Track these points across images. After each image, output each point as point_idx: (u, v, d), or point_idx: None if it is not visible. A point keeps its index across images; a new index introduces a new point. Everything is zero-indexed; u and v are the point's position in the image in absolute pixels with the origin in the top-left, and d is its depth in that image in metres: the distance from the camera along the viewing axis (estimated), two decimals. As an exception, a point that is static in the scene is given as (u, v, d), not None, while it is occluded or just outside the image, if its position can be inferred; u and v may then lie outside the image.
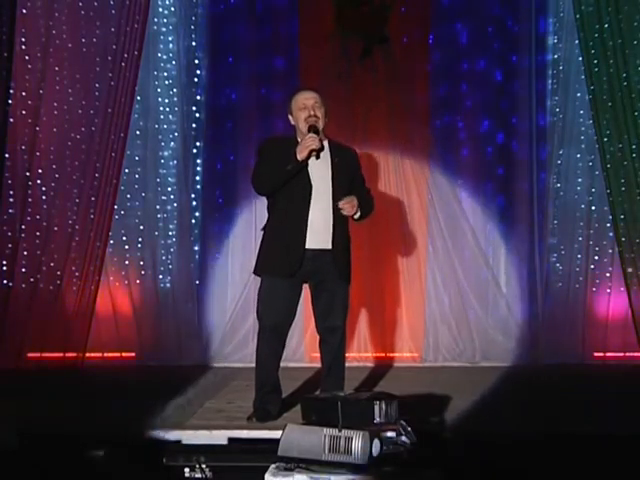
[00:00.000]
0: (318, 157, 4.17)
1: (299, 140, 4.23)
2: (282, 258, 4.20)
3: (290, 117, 4.36)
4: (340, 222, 4.26)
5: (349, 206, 4.18)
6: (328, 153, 4.29)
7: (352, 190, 4.27)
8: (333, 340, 4.31)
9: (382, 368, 6.44)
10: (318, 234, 4.20)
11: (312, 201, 4.19)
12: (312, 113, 4.23)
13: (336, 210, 4.20)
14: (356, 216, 4.29)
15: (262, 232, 4.37)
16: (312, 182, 4.20)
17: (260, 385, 4.26)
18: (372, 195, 4.54)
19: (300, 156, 4.11)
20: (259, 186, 4.31)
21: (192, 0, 7.04)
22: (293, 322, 4.33)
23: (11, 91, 6.43)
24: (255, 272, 4.36)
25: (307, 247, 4.18)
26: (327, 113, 4.30)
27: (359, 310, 6.76)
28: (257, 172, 4.30)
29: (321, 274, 4.25)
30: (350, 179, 4.34)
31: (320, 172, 4.23)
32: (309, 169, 4.20)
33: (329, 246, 4.22)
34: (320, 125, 4.23)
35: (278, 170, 4.15)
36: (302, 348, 6.72)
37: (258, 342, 4.27)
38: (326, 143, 4.31)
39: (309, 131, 4.16)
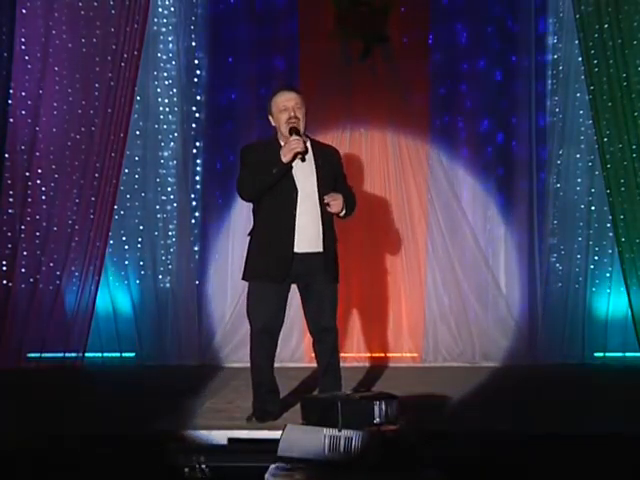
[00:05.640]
0: (303, 160, 4.13)
1: (280, 142, 4.21)
2: (270, 263, 4.18)
3: (270, 118, 4.31)
4: (328, 223, 4.24)
5: (336, 203, 4.15)
6: (311, 154, 4.24)
7: (336, 189, 4.26)
8: (328, 340, 4.30)
9: (381, 368, 6.43)
10: (306, 237, 4.17)
11: (298, 204, 4.16)
12: (292, 115, 4.18)
13: (324, 212, 4.18)
14: (342, 214, 4.27)
15: (249, 237, 4.36)
16: (297, 185, 4.17)
17: (257, 386, 4.26)
18: (354, 192, 4.51)
19: (285, 159, 4.08)
20: (244, 192, 4.27)
21: (192, 0, 7.04)
22: (284, 322, 4.32)
23: (11, 91, 6.44)
24: (244, 278, 4.35)
25: (295, 251, 4.16)
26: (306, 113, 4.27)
27: (359, 310, 6.76)
28: (241, 179, 4.26)
29: (309, 276, 4.22)
30: (334, 179, 4.32)
31: (305, 174, 4.19)
32: (294, 172, 4.16)
33: (319, 249, 4.19)
34: (301, 126, 4.20)
35: (262, 175, 4.13)
36: (301, 348, 6.72)
37: (251, 344, 4.27)
38: (308, 144, 4.27)
39: (291, 133, 4.12)
